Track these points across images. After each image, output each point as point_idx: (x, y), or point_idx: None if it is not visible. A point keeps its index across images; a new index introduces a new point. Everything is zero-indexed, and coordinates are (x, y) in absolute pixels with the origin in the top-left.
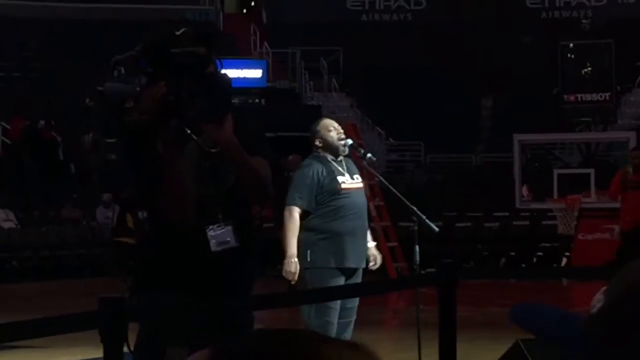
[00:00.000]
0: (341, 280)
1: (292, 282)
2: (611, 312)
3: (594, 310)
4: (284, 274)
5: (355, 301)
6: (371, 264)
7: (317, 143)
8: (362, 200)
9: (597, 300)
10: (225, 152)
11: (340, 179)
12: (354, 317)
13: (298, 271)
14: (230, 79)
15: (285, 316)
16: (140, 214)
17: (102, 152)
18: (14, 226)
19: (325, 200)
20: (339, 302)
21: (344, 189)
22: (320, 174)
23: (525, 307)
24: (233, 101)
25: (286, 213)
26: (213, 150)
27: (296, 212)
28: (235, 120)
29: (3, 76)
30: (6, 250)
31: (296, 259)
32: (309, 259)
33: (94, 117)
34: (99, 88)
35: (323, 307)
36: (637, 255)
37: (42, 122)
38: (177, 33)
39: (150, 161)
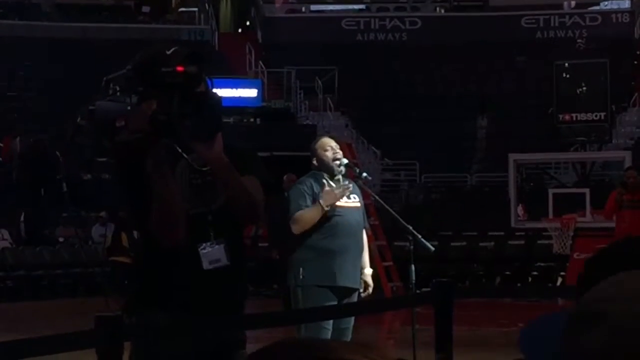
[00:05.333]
0: (333, 299)
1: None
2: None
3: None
4: (326, 197)
5: (351, 322)
6: (361, 290)
7: (313, 162)
8: (357, 219)
9: None
10: (215, 170)
11: None
12: (349, 337)
13: (340, 190)
14: (220, 98)
15: (279, 336)
16: (135, 232)
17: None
18: (8, 245)
19: None
20: (331, 321)
21: (337, 207)
22: (313, 189)
23: (530, 333)
24: (227, 120)
25: (293, 225)
26: (204, 169)
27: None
28: (226, 139)
29: None
30: (1, 269)
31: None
32: (301, 277)
33: (85, 136)
34: (91, 107)
35: (315, 327)
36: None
37: (44, 141)
38: (168, 52)
39: (141, 180)
